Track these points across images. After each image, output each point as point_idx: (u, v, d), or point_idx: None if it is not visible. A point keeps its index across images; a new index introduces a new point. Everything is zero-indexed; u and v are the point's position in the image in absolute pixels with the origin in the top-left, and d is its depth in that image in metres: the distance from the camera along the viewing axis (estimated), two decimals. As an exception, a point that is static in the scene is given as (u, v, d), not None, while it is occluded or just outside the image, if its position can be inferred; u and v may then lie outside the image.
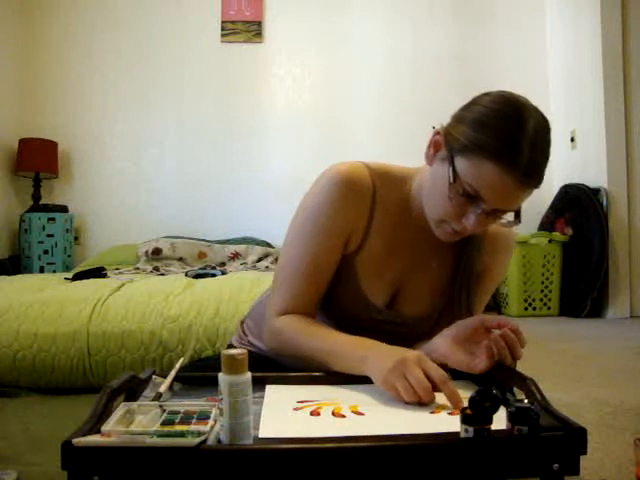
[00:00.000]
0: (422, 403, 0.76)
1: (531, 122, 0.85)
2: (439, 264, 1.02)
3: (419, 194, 0.98)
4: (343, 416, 0.72)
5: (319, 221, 0.95)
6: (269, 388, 0.83)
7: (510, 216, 0.91)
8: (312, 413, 0.73)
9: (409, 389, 0.76)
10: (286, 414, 0.73)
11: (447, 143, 0.88)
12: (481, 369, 0.83)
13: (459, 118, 0.90)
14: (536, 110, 0.88)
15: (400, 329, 1.01)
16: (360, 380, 0.84)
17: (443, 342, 0.88)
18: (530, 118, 0.85)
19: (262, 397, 0.79)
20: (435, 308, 1.04)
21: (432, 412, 0.74)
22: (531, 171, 0.83)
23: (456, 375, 0.85)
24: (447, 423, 0.69)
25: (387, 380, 0.78)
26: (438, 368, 0.78)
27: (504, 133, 0.83)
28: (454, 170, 0.86)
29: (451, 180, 0.86)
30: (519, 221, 0.91)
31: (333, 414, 0.72)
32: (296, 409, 0.74)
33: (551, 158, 0.92)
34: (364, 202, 0.96)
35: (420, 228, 0.98)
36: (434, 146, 0.92)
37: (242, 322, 1.21)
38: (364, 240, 0.98)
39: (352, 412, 0.73)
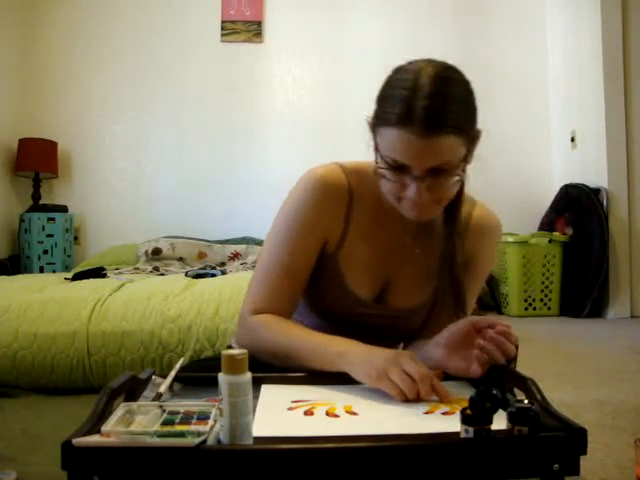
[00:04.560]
0: (418, 400, 0.76)
1: (423, 75, 0.85)
2: (422, 252, 1.02)
3: None
4: (337, 416, 0.72)
5: (295, 224, 0.98)
6: (264, 388, 0.83)
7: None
8: (306, 413, 0.73)
9: (407, 380, 0.76)
10: (280, 414, 0.73)
11: (370, 128, 0.92)
12: (478, 375, 0.83)
13: (375, 100, 0.92)
14: (433, 64, 0.88)
15: (391, 322, 1.02)
16: (355, 381, 0.84)
17: (437, 350, 0.88)
18: (423, 72, 0.85)
19: (257, 397, 0.79)
20: (424, 299, 1.04)
21: (426, 412, 0.74)
22: (431, 119, 0.82)
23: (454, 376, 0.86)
24: (441, 423, 0.70)
25: (381, 375, 0.79)
26: (427, 367, 0.80)
27: (393, 96, 0.85)
28: (377, 149, 0.89)
29: (376, 159, 0.90)
30: (463, 173, 0.90)
31: (327, 414, 0.72)
32: (290, 409, 0.75)
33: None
34: (340, 203, 0.99)
35: (398, 219, 0.98)
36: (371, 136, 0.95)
37: None
38: (343, 238, 1.00)
39: (346, 412, 0.73)
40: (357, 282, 1.00)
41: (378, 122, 0.88)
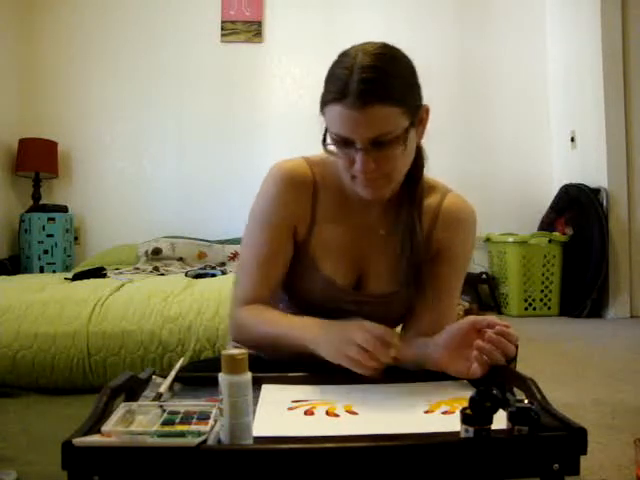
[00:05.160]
0: (381, 365, 0.79)
1: (359, 54, 0.89)
2: (392, 237, 1.03)
3: None
4: (337, 415, 0.72)
5: (264, 217, 1.04)
6: (264, 388, 0.83)
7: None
8: (306, 413, 0.73)
9: (362, 353, 0.79)
10: (280, 413, 0.73)
11: (320, 112, 0.95)
12: (478, 375, 0.83)
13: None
14: (375, 43, 0.91)
15: (370, 309, 1.02)
16: (355, 380, 0.84)
17: (436, 351, 0.88)
18: (359, 51, 0.89)
19: (257, 397, 0.79)
20: (398, 283, 1.03)
21: (426, 412, 0.74)
22: (364, 91, 0.86)
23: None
24: (441, 422, 0.70)
25: (338, 353, 0.82)
26: (379, 326, 0.83)
27: (336, 75, 0.90)
28: (326, 130, 0.93)
29: (324, 137, 0.94)
30: (405, 143, 0.90)
31: (327, 413, 0.73)
32: (290, 409, 0.75)
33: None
34: (305, 192, 1.03)
35: (365, 206, 1.03)
36: None
37: None
38: (312, 227, 1.03)
39: (346, 412, 0.73)
40: (332, 268, 1.03)
41: (323, 102, 0.92)
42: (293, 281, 1.05)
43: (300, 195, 1.03)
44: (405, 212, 1.02)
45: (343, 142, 0.90)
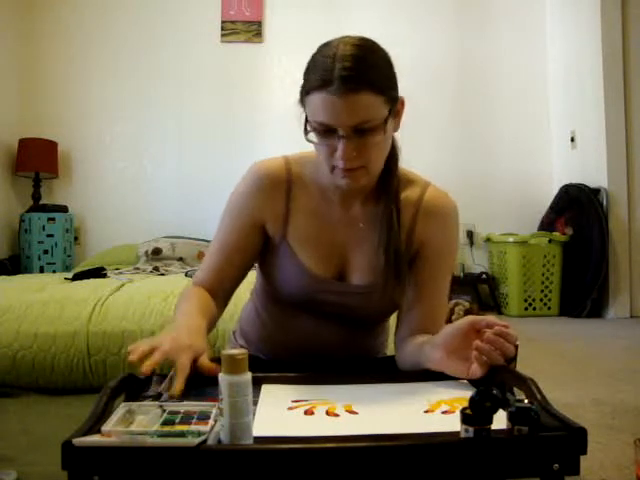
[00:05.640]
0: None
1: (340, 44, 0.90)
2: (371, 229, 1.04)
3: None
4: (337, 415, 0.72)
5: (231, 210, 1.08)
6: (264, 388, 0.83)
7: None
8: (306, 412, 0.73)
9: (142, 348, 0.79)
10: (280, 413, 0.73)
11: (300, 104, 0.96)
12: (478, 376, 0.83)
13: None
14: (355, 36, 0.93)
15: (353, 301, 1.04)
16: (355, 380, 0.84)
17: (435, 352, 0.89)
18: (335, 42, 0.92)
19: (258, 397, 0.79)
20: (379, 274, 1.03)
21: (426, 411, 0.74)
22: (347, 78, 0.87)
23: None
24: (441, 422, 0.70)
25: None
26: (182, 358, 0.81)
27: (318, 65, 0.91)
28: (306, 119, 0.94)
29: (305, 127, 0.94)
30: (385, 129, 0.92)
31: (327, 413, 0.73)
32: (290, 408, 0.75)
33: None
34: (279, 189, 1.06)
35: (344, 198, 1.04)
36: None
37: (234, 332, 1.25)
38: (287, 221, 1.05)
39: (346, 411, 0.73)
40: (312, 260, 1.04)
41: (304, 92, 0.93)
42: (274, 273, 1.07)
43: (272, 190, 1.05)
44: (382, 204, 1.03)
45: (325, 131, 0.92)
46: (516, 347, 1.05)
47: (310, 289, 1.04)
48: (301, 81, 0.95)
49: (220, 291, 1.06)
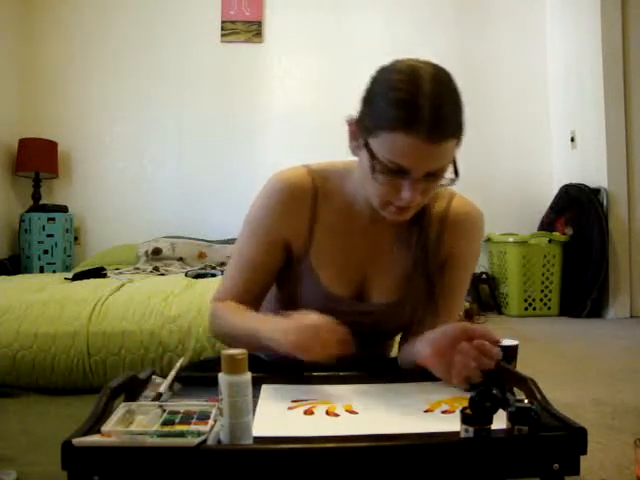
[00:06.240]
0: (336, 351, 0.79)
1: (424, 77, 0.83)
2: (400, 248, 1.02)
3: (361, 186, 0.99)
4: (337, 415, 0.72)
5: (255, 225, 1.03)
6: (264, 388, 0.83)
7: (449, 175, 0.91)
8: (306, 412, 0.73)
9: (318, 338, 0.79)
10: (280, 413, 0.73)
11: (359, 129, 0.90)
12: (460, 384, 0.81)
13: (362, 101, 0.91)
14: (428, 64, 0.87)
15: (371, 319, 1.02)
16: (355, 380, 0.84)
17: (424, 348, 0.87)
18: (422, 74, 0.84)
19: (257, 397, 0.79)
20: (402, 294, 1.03)
21: (426, 411, 0.74)
22: (437, 124, 0.82)
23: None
24: (441, 422, 0.70)
25: (299, 341, 0.81)
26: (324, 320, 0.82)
27: (398, 100, 0.83)
28: (371, 153, 0.87)
29: (371, 163, 0.87)
30: (457, 176, 0.89)
31: (327, 413, 0.73)
32: (290, 408, 0.75)
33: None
34: (303, 205, 1.01)
35: (372, 216, 0.99)
36: (351, 137, 0.94)
37: None
38: (311, 239, 1.01)
39: (346, 411, 0.73)
40: (332, 280, 1.01)
41: (374, 125, 0.86)
42: (290, 287, 1.04)
43: (297, 206, 1.01)
44: (415, 224, 1.00)
45: (395, 171, 0.85)
46: (516, 347, 1.05)
47: (326, 308, 0.99)
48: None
49: (251, 306, 1.03)
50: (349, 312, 1.01)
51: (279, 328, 0.86)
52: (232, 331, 0.98)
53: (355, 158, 0.96)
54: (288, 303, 1.06)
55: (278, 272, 1.04)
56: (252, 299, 1.03)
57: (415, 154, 0.83)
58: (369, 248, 1.03)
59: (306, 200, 1.01)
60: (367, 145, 0.87)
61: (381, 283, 1.03)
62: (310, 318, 0.83)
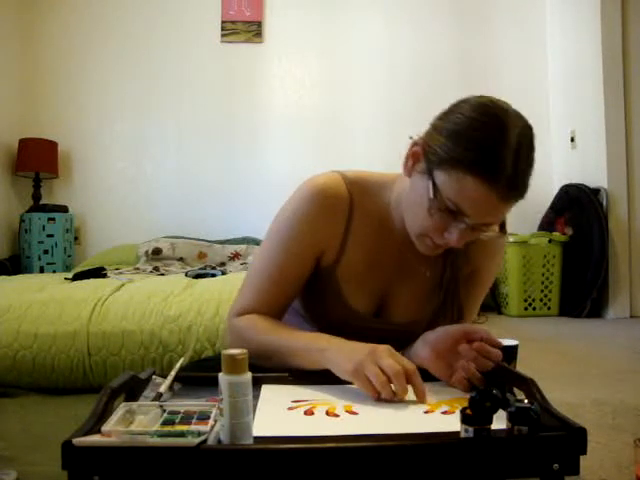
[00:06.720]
0: (394, 397, 0.75)
1: (513, 131, 0.80)
2: (427, 269, 1.00)
3: (399, 204, 0.96)
4: (337, 415, 0.72)
5: (289, 233, 0.96)
6: (264, 388, 0.83)
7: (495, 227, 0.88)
8: (306, 412, 0.73)
9: (380, 376, 0.75)
10: (280, 413, 0.73)
11: (425, 155, 0.85)
12: (460, 387, 0.82)
13: (438, 128, 0.85)
14: (518, 116, 0.83)
15: (392, 336, 0.99)
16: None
17: (424, 349, 0.87)
18: (512, 126, 0.80)
19: (257, 397, 0.79)
20: (424, 314, 1.02)
21: (426, 412, 0.74)
22: (515, 183, 0.79)
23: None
24: (441, 422, 0.70)
25: (358, 370, 0.77)
26: (409, 361, 0.78)
27: (484, 145, 0.79)
28: (434, 185, 0.82)
29: (431, 195, 0.83)
30: (504, 233, 0.88)
31: (327, 413, 0.73)
32: (290, 408, 0.75)
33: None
34: (339, 215, 0.96)
35: (403, 236, 0.96)
36: (412, 157, 0.88)
37: None
38: (342, 252, 0.97)
39: (346, 411, 0.73)
40: (355, 296, 0.99)
41: (446, 158, 0.81)
42: (310, 298, 1.02)
43: (333, 219, 0.95)
44: (453, 258, 0.99)
45: (453, 212, 0.82)
46: (516, 347, 1.05)
47: (347, 323, 0.98)
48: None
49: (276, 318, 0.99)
50: (368, 328, 0.98)
51: (338, 348, 0.83)
52: (265, 347, 0.91)
53: (392, 171, 0.94)
54: (305, 312, 1.04)
55: (306, 281, 0.99)
56: (278, 311, 0.98)
57: (482, 205, 0.80)
58: (397, 267, 1.00)
59: (343, 209, 0.96)
60: (431, 175, 0.83)
61: (404, 301, 1.01)
62: (383, 350, 0.79)
